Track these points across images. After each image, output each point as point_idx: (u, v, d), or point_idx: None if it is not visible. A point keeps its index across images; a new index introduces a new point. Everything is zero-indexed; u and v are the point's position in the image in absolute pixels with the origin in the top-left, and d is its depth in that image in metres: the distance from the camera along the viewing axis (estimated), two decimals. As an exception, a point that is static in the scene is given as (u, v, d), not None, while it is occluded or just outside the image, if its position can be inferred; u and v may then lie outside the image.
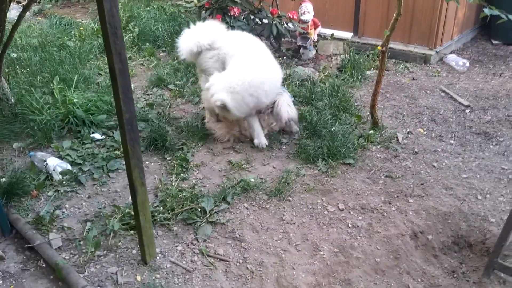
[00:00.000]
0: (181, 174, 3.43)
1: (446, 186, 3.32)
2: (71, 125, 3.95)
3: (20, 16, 3.82)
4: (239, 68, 3.65)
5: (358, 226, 2.97)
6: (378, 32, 5.69)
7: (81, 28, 6.41)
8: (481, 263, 2.69)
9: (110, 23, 1.97)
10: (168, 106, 4.48)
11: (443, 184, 3.34)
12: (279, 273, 2.63)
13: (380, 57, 3.71)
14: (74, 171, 3.41)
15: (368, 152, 3.75)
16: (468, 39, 6.27)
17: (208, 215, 2.99)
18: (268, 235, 2.90)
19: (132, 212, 2.71)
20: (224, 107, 3.54)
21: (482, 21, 6.36)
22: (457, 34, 5.91)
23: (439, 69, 5.35)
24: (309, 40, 5.47)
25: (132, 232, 2.85)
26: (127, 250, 2.75)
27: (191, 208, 3.04)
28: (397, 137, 3.93)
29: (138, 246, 2.68)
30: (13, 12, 6.36)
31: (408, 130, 4.07)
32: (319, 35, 5.80)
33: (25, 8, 3.89)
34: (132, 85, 2.40)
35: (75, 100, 4.07)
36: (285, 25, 5.31)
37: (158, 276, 2.59)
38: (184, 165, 3.53)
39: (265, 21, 5.37)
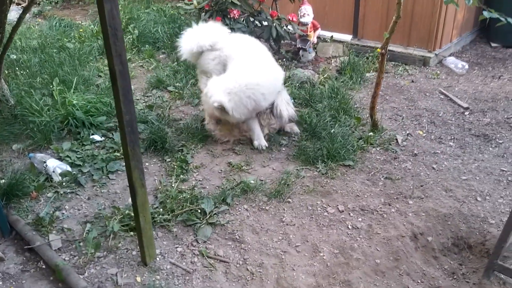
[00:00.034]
0: (181, 176, 3.43)
1: (446, 188, 3.33)
2: (70, 127, 3.95)
3: (20, 18, 3.82)
4: (237, 71, 3.66)
5: (358, 228, 2.97)
6: (378, 35, 5.69)
7: (81, 30, 6.42)
8: (481, 264, 2.70)
9: (111, 24, 1.97)
10: (167, 108, 4.48)
11: (443, 186, 3.35)
12: (279, 274, 2.63)
13: (380, 59, 3.72)
14: (74, 172, 3.41)
15: (368, 154, 3.75)
16: (467, 41, 6.28)
17: (208, 217, 2.99)
18: (268, 236, 2.90)
19: (132, 214, 2.71)
20: (222, 109, 3.55)
21: (481, 23, 6.38)
22: (456, 37, 5.93)
23: (438, 72, 5.36)
24: (308, 43, 5.49)
25: (132, 233, 2.85)
26: (127, 252, 2.75)
27: (191, 210, 3.04)
28: (396, 139, 3.93)
29: (138, 248, 2.68)
30: (13, 13, 6.37)
31: (407, 132, 4.08)
32: (318, 37, 5.81)
33: (25, 10, 3.89)
34: (131, 87, 2.40)
35: (74, 102, 4.07)
36: (285, 27, 5.33)
37: (158, 277, 2.58)
38: (183, 167, 3.53)
39: (265, 23, 5.38)
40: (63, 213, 3.05)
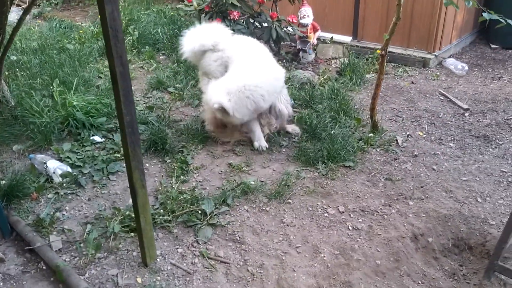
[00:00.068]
0: (181, 177, 3.43)
1: (446, 188, 3.33)
2: (71, 128, 3.95)
3: (21, 19, 3.83)
4: (236, 72, 3.68)
5: (358, 229, 2.98)
6: (377, 36, 5.71)
7: (81, 31, 6.42)
8: (482, 265, 2.70)
9: (112, 26, 1.97)
10: (168, 109, 4.49)
11: (443, 187, 3.35)
12: (280, 275, 2.63)
13: (380, 60, 3.72)
14: (74, 173, 3.41)
15: (368, 155, 3.76)
16: (467, 43, 6.30)
17: (208, 218, 2.99)
18: (268, 237, 2.90)
19: (133, 214, 2.71)
20: (223, 110, 3.55)
21: (481, 25, 6.39)
22: (456, 38, 5.94)
23: (438, 73, 5.37)
24: (308, 44, 5.50)
25: (132, 234, 2.85)
26: (127, 252, 2.75)
27: (191, 211, 3.04)
28: (396, 140, 3.94)
29: (139, 248, 2.68)
30: (13, 15, 6.37)
31: (407, 133, 4.09)
32: (318, 38, 5.83)
33: (26, 11, 3.89)
34: (132, 88, 2.41)
35: (75, 103, 4.07)
36: (285, 28, 5.34)
37: (158, 278, 2.58)
38: (184, 168, 3.53)
39: (265, 24, 5.39)
40: (64, 214, 3.05)
